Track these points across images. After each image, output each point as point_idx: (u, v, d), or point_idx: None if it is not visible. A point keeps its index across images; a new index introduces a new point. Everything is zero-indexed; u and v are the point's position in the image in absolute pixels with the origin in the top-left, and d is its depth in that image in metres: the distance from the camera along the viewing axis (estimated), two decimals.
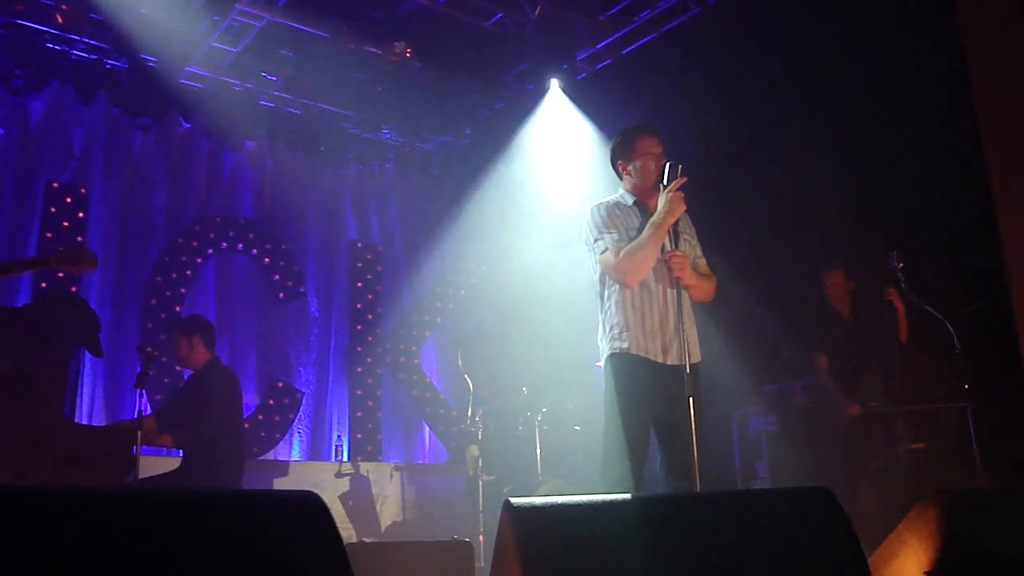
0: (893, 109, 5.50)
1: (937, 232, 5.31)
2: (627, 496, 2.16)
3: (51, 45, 6.71)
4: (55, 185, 7.05)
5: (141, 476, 5.07)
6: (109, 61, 7.07)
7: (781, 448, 5.90)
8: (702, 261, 4.00)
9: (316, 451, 8.06)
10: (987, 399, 4.61)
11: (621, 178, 4.06)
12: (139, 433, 4.93)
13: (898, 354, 5.31)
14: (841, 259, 5.70)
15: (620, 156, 4.03)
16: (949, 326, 4.60)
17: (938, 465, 5.04)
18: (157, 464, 6.08)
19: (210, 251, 7.88)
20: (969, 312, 4.85)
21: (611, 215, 3.90)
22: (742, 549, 2.05)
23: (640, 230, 3.79)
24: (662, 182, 3.77)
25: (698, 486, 3.42)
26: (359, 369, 8.42)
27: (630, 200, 3.97)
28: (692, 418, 3.46)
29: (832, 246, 5.78)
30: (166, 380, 7.10)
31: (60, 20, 6.49)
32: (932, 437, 5.16)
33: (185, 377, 6.29)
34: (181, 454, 5.81)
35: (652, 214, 3.81)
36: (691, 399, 3.48)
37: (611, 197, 4.03)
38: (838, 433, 5.51)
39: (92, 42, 6.90)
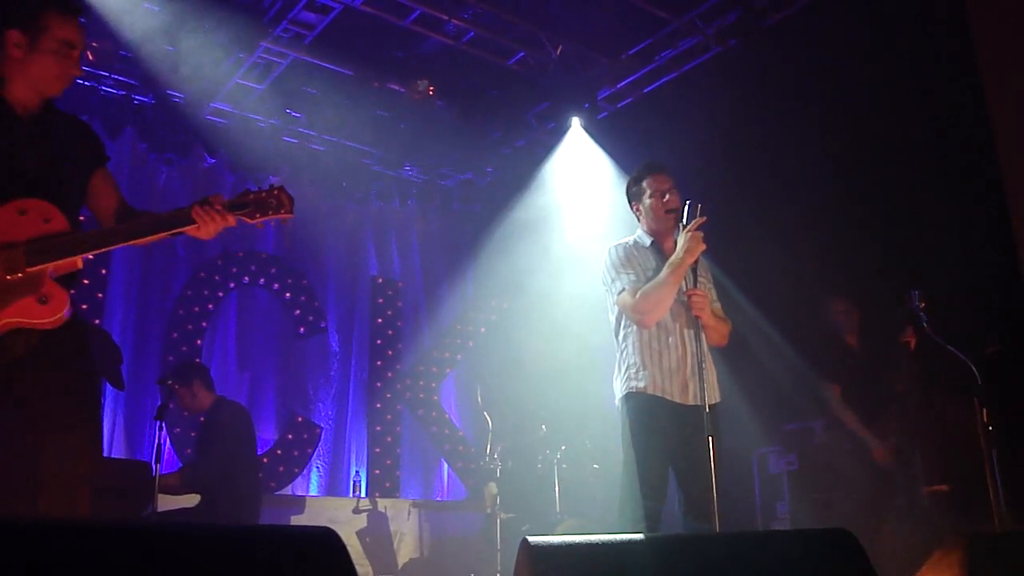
0: (914, 149, 5.49)
1: (959, 271, 5.27)
2: (645, 536, 2.13)
3: (81, 81, 6.81)
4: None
5: (159, 510, 5.08)
6: (136, 97, 7.19)
7: (802, 488, 5.83)
8: (717, 305, 3.98)
9: (334, 487, 8.04)
10: (1011, 441, 4.54)
11: (639, 220, 4.09)
12: (157, 466, 4.94)
13: (915, 393, 5.24)
14: (843, 288, 5.64)
15: (633, 198, 4.09)
16: (972, 367, 4.55)
17: (962, 507, 4.95)
18: (176, 499, 6.07)
19: (232, 285, 7.93)
20: (992, 352, 4.80)
21: (628, 256, 3.91)
22: None
23: (657, 271, 3.79)
24: (681, 222, 3.78)
25: (717, 527, 3.39)
26: (378, 405, 8.42)
27: (647, 241, 3.99)
28: (712, 458, 3.43)
29: (835, 275, 5.73)
30: (186, 414, 7.10)
31: (91, 57, 6.61)
32: (955, 478, 5.08)
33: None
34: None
35: (668, 255, 3.81)
36: (711, 439, 3.46)
37: (628, 238, 4.05)
38: (859, 472, 5.43)
39: (120, 78, 7.04)
